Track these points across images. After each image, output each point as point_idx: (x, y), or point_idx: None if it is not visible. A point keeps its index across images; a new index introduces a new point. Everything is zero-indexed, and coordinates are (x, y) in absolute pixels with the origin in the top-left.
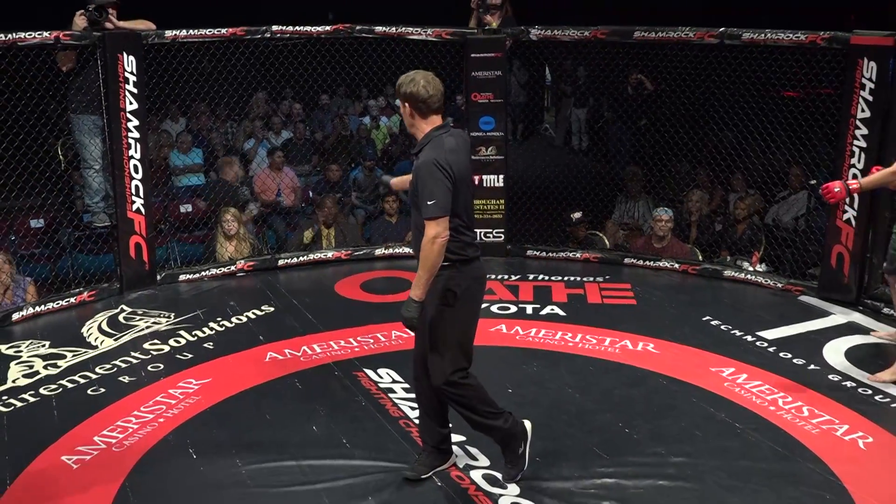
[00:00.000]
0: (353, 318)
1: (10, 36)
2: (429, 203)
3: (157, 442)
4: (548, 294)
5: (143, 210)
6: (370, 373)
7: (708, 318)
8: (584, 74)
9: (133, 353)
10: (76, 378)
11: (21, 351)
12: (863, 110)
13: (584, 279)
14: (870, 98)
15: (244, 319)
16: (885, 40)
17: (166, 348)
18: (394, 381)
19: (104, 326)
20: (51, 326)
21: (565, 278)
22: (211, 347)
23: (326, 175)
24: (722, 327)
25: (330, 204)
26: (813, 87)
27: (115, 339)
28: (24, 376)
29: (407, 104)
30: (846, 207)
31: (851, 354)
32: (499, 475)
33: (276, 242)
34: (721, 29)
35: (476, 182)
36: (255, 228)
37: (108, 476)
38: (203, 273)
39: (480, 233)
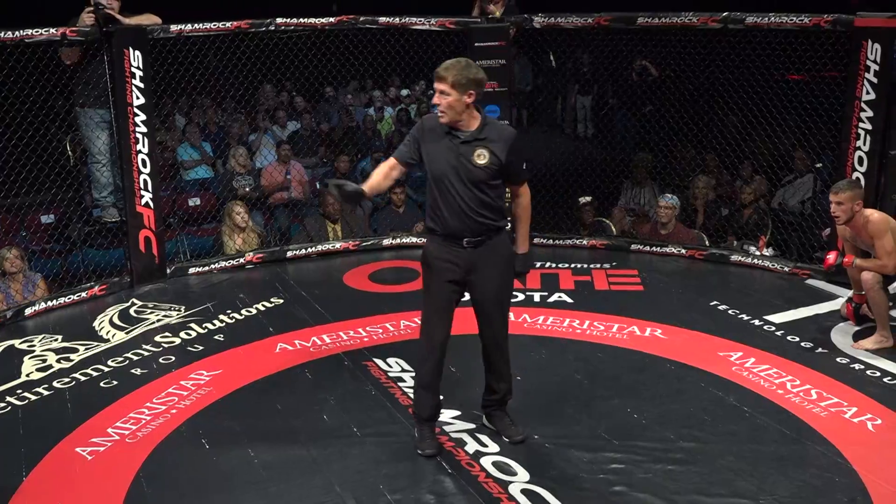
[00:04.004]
0: (361, 308)
1: (17, 33)
2: (524, 168)
3: (169, 433)
4: (555, 281)
5: (151, 204)
6: (379, 362)
7: (715, 302)
8: (587, 62)
9: (145, 346)
10: (89, 371)
11: (34, 345)
12: (867, 92)
13: (592, 266)
14: (874, 80)
15: (254, 311)
16: (889, 22)
17: (177, 341)
18: (403, 370)
19: (116, 320)
20: (63, 321)
21: (572, 265)
22: (221, 339)
23: (336, 167)
24: (729, 312)
25: (332, 199)
26: (817, 70)
27: (127, 333)
28: (38, 370)
29: (473, 91)
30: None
31: (859, 337)
32: (509, 462)
33: (280, 235)
34: (724, 13)
35: None
36: (264, 220)
37: (122, 467)
38: (212, 266)
39: None
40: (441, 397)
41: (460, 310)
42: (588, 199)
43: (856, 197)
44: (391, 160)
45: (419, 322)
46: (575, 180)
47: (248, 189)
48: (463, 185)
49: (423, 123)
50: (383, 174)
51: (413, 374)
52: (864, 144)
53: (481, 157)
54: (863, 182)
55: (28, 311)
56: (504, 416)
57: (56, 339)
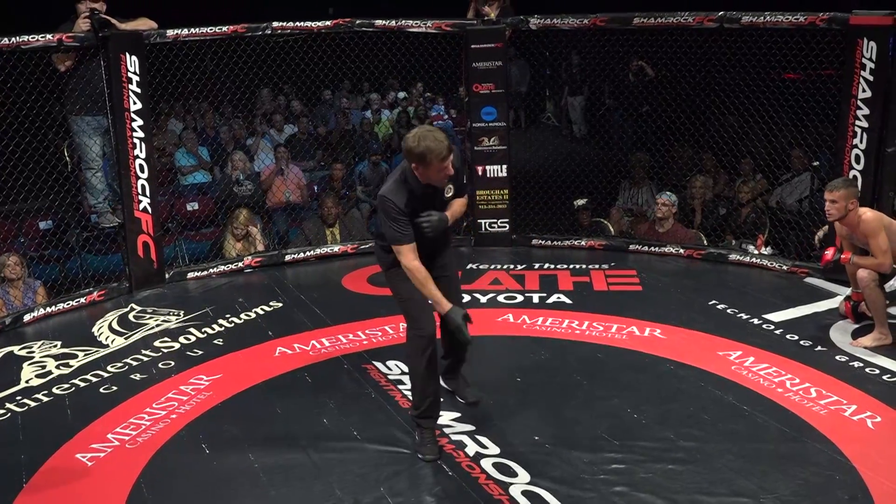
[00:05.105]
0: (360, 311)
1: (13, 39)
2: (465, 183)
3: (169, 438)
4: (554, 282)
5: (149, 209)
6: (379, 365)
7: (714, 302)
8: (577, 62)
9: (144, 351)
10: (88, 377)
11: (33, 351)
12: (863, 90)
13: (590, 267)
14: (870, 78)
15: (253, 315)
16: (884, 20)
17: (176, 345)
18: (402, 373)
19: (115, 325)
20: (62, 327)
21: (571, 266)
22: (221, 344)
23: (332, 174)
24: (728, 311)
25: (330, 203)
26: (814, 68)
27: (126, 338)
28: (38, 376)
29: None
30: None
31: (858, 335)
32: (510, 463)
33: (279, 239)
34: (720, 13)
35: (479, 172)
36: (263, 223)
37: (122, 472)
38: (211, 270)
39: (485, 223)
40: (441, 399)
41: None
42: (584, 201)
43: (850, 195)
44: (410, 247)
45: (405, 325)
46: (573, 181)
47: (248, 187)
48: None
49: (395, 202)
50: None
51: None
52: (861, 142)
53: (449, 191)
54: (860, 180)
55: (27, 318)
56: (459, 377)
57: (55, 345)
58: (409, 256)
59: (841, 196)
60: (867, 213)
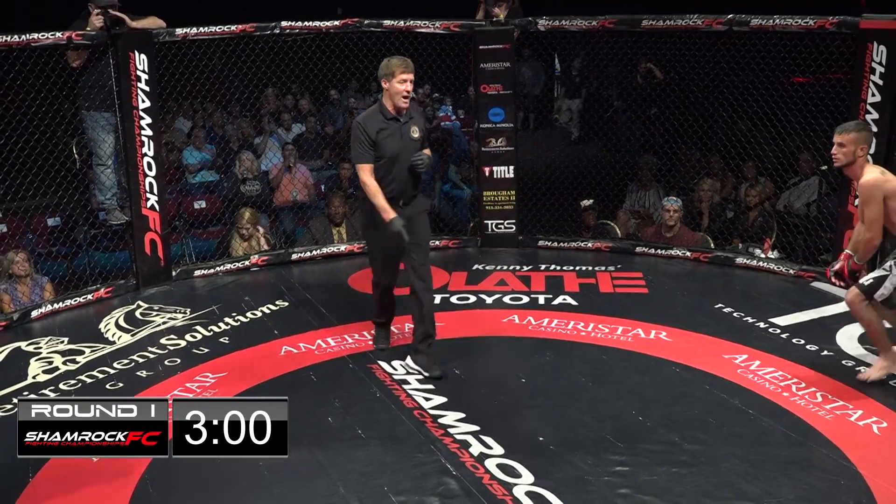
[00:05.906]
0: (366, 311)
1: (24, 37)
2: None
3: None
4: (560, 284)
5: (157, 207)
6: (384, 365)
7: (720, 305)
8: (578, 66)
9: (150, 349)
10: (94, 373)
11: (40, 347)
12: (873, 94)
13: (596, 269)
14: (880, 82)
15: (259, 314)
16: (894, 24)
17: (183, 343)
18: (408, 373)
19: (121, 322)
20: (69, 323)
21: (577, 268)
22: (226, 342)
23: (339, 173)
24: (734, 314)
25: (337, 203)
26: (823, 72)
27: (133, 335)
28: (44, 372)
29: None
30: (857, 192)
31: (865, 340)
32: (514, 464)
33: (286, 238)
34: (729, 16)
35: (486, 173)
36: (269, 222)
37: (127, 469)
38: (218, 268)
39: (492, 224)
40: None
41: (459, 313)
42: (589, 202)
43: (860, 140)
44: (368, 167)
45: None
46: (580, 183)
47: (255, 186)
48: (408, 155)
49: (363, 125)
50: (376, 181)
51: (418, 377)
52: (870, 147)
53: (415, 132)
54: None
55: (34, 314)
56: (425, 356)
57: (62, 342)
58: (366, 173)
59: (850, 140)
60: (869, 176)
